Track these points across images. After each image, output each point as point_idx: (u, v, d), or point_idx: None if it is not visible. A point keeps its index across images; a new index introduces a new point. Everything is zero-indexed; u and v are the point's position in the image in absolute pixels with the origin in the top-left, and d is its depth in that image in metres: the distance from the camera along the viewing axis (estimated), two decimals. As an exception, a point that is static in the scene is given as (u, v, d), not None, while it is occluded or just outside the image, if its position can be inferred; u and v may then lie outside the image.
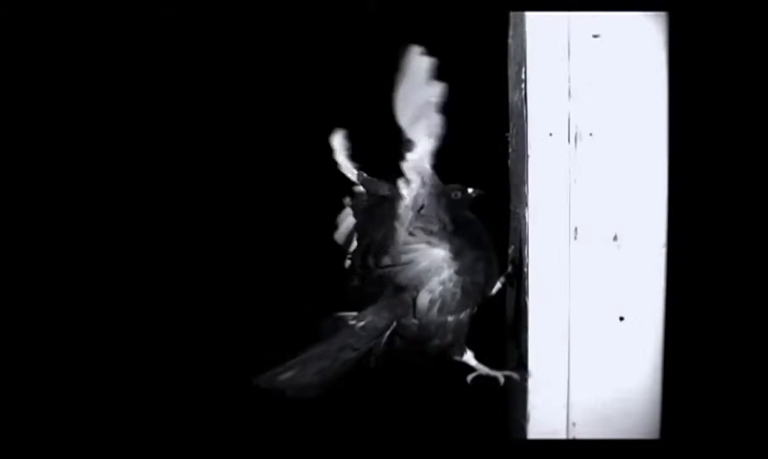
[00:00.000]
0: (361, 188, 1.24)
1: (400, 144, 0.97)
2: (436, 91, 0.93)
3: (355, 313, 1.11)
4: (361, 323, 1.09)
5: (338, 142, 1.22)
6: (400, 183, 0.99)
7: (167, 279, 1.89)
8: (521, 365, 1.14)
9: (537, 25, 1.03)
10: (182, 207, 1.89)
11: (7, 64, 1.78)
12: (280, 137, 1.88)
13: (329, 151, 1.22)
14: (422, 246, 1.07)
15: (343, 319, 1.12)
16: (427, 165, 1.00)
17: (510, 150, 1.26)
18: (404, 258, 1.07)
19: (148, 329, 1.87)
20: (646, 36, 1.02)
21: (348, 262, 1.20)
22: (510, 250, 1.23)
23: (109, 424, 1.76)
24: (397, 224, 1.03)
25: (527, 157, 1.05)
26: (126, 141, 1.89)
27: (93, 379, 1.82)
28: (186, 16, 1.78)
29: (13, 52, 1.78)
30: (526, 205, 1.07)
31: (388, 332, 1.09)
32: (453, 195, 1.12)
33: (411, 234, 1.06)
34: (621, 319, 1.07)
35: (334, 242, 1.28)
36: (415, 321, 1.08)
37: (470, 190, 1.14)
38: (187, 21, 1.80)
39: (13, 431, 1.70)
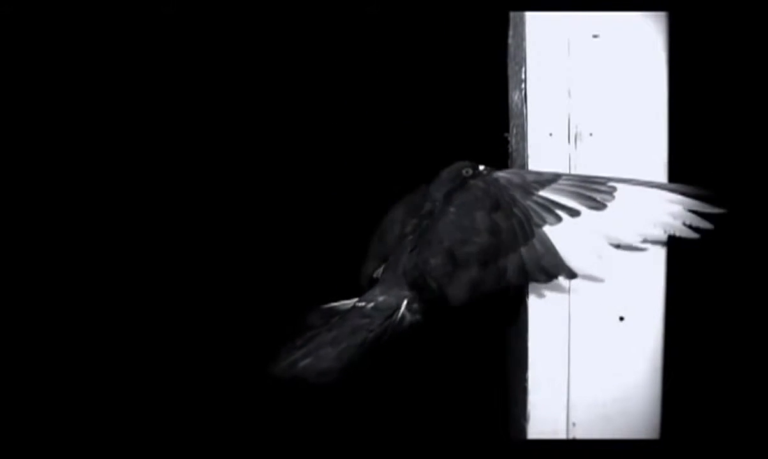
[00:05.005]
0: None
1: None
2: None
3: (346, 301, 1.10)
4: (372, 304, 1.07)
5: None
6: None
7: (170, 274, 1.90)
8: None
9: (537, 25, 1.03)
10: (182, 207, 1.89)
11: (6, 64, 1.78)
12: (280, 137, 1.88)
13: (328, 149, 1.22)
14: None
15: (335, 309, 1.10)
16: None
17: (510, 150, 1.26)
18: None
19: (151, 325, 1.87)
20: (645, 36, 1.02)
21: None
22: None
23: (109, 422, 1.77)
24: None
25: (527, 157, 1.05)
26: (126, 140, 1.89)
27: (97, 376, 1.83)
28: (186, 15, 1.78)
29: (13, 51, 1.78)
30: (527, 204, 1.06)
31: (403, 308, 1.06)
32: (464, 172, 1.10)
33: None
34: (621, 319, 1.07)
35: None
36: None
37: (481, 167, 1.12)
38: (187, 20, 1.80)
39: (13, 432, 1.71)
